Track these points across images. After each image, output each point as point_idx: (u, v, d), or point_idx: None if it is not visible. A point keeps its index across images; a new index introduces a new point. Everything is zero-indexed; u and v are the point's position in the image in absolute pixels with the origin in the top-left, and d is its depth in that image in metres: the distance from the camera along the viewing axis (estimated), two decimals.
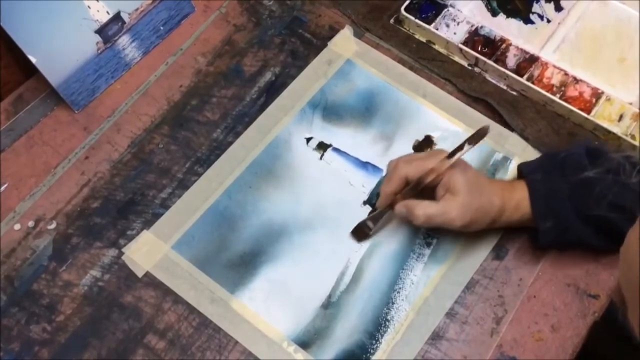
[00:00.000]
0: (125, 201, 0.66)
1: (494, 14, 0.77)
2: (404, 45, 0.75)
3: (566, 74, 0.72)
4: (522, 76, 0.71)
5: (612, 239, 0.37)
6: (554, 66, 0.72)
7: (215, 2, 0.78)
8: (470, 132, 0.69)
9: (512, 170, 0.67)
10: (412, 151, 0.69)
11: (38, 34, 0.65)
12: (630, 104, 0.70)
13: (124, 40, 0.72)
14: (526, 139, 0.69)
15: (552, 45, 0.74)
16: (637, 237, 0.34)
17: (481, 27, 0.75)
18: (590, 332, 0.60)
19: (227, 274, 0.62)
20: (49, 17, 0.65)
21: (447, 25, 0.75)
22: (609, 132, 0.68)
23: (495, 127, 0.70)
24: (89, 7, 0.68)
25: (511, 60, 0.73)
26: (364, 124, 0.71)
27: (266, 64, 0.74)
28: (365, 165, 0.68)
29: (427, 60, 0.74)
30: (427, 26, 0.74)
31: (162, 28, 0.75)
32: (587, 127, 0.69)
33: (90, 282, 0.62)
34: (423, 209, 0.58)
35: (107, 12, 0.69)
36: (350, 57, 0.74)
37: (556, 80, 0.71)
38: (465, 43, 0.73)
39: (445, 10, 0.76)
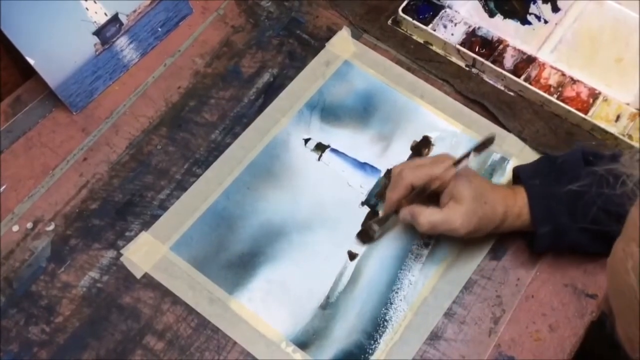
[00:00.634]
0: (124, 202, 0.66)
1: (492, 14, 0.77)
2: (401, 46, 0.75)
3: (563, 74, 0.72)
4: (519, 77, 0.71)
5: (607, 243, 0.37)
6: (551, 67, 0.72)
7: (213, 3, 0.78)
8: (468, 132, 0.70)
9: (509, 171, 0.67)
10: (410, 152, 0.69)
11: (36, 35, 0.65)
12: (628, 104, 0.70)
13: (122, 42, 0.72)
14: (524, 139, 0.69)
15: (550, 45, 0.74)
16: (622, 249, 0.34)
17: (479, 28, 0.75)
18: (587, 332, 0.60)
19: (225, 275, 0.62)
20: (47, 19, 0.65)
21: (445, 26, 0.75)
22: (607, 132, 0.68)
23: (492, 127, 0.70)
24: (87, 8, 0.68)
25: (508, 61, 0.73)
26: (362, 125, 0.71)
27: (264, 65, 0.74)
28: (363, 165, 0.69)
29: (424, 61, 0.74)
30: (424, 27, 0.74)
31: (160, 29, 0.75)
32: (585, 127, 0.69)
33: (88, 283, 0.62)
34: (427, 217, 0.58)
35: (105, 14, 0.70)
36: (348, 58, 0.74)
37: (553, 80, 0.72)
38: (462, 44, 0.74)
39: (443, 11, 0.76)
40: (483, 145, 0.58)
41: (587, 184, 0.53)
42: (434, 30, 0.74)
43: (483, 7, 0.77)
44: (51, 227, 0.65)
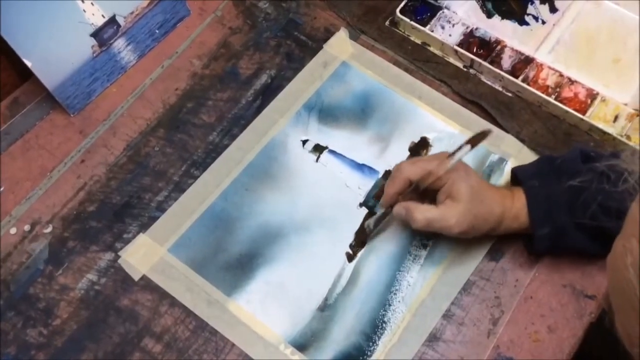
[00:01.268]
0: (122, 204, 0.66)
1: (489, 15, 0.77)
2: (399, 47, 0.75)
3: (561, 75, 0.72)
4: (517, 77, 0.71)
5: (606, 244, 0.37)
6: (549, 67, 0.72)
7: (210, 4, 0.78)
8: (466, 133, 0.70)
9: (508, 171, 0.67)
10: (408, 153, 0.69)
11: (33, 37, 0.65)
12: (625, 104, 0.70)
13: (119, 44, 0.72)
14: (522, 140, 0.69)
15: (547, 46, 0.74)
16: (622, 245, 0.34)
17: (476, 28, 0.75)
18: (586, 333, 0.60)
19: (223, 277, 0.62)
20: (44, 21, 0.65)
21: (442, 27, 0.75)
22: (605, 132, 0.68)
23: (485, 127, 0.70)
24: (84, 10, 0.68)
25: (506, 62, 0.73)
26: (360, 126, 0.71)
27: (262, 67, 0.74)
28: (361, 167, 0.68)
29: (422, 62, 0.74)
30: (422, 28, 0.74)
31: (157, 31, 0.75)
32: (583, 127, 0.69)
33: (86, 285, 0.62)
34: (422, 213, 0.58)
35: (103, 16, 0.69)
36: (345, 59, 0.74)
37: (551, 81, 0.72)
38: (460, 45, 0.74)
39: (441, 12, 0.76)
40: (478, 138, 0.57)
41: (587, 180, 0.53)
42: (432, 31, 0.74)
43: (481, 7, 0.77)
44: (49, 230, 0.65)
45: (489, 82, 0.73)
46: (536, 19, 0.76)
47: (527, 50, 0.73)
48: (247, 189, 0.67)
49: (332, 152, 0.69)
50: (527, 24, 0.76)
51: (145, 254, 0.63)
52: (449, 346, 0.60)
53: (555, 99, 0.70)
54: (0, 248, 0.63)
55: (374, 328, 0.60)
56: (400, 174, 0.60)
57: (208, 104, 0.72)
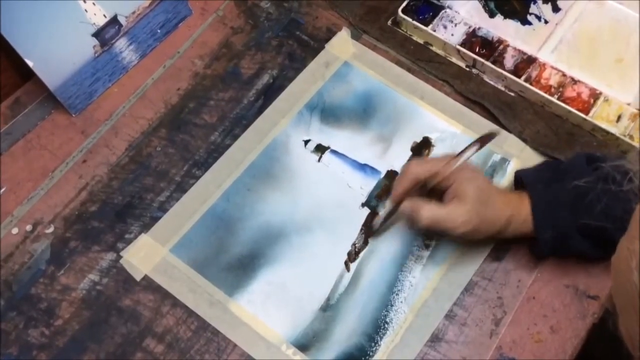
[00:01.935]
0: (123, 205, 0.66)
1: (492, 15, 0.76)
2: (401, 47, 0.75)
3: (564, 74, 0.71)
4: (520, 77, 0.71)
5: (609, 249, 0.37)
6: (552, 67, 0.72)
7: (212, 4, 0.78)
8: (468, 133, 0.70)
9: (510, 172, 0.67)
10: (410, 153, 0.69)
11: (35, 37, 0.65)
12: (629, 104, 0.70)
13: (121, 44, 0.72)
14: (524, 140, 0.69)
15: (550, 46, 0.74)
16: (627, 247, 0.34)
17: (479, 28, 0.74)
18: (589, 333, 0.60)
19: (225, 277, 0.62)
20: (46, 21, 0.65)
21: (445, 27, 0.75)
22: (607, 132, 0.67)
23: (493, 128, 0.70)
24: (86, 10, 0.68)
25: (509, 62, 0.73)
26: (362, 126, 0.71)
27: (264, 67, 0.74)
28: (363, 167, 0.68)
29: (424, 61, 0.74)
30: (424, 28, 0.74)
31: (159, 31, 0.75)
32: (586, 127, 0.69)
33: (88, 285, 0.62)
34: (429, 211, 0.58)
35: (104, 16, 0.69)
36: (347, 59, 0.74)
37: (554, 81, 0.71)
38: (462, 44, 0.73)
39: (443, 11, 0.75)
40: (485, 139, 0.57)
41: (593, 181, 0.53)
42: (434, 31, 0.74)
43: (483, 7, 0.77)
44: (50, 230, 0.65)
45: (491, 82, 0.73)
46: (539, 18, 0.76)
47: (530, 50, 0.73)
48: (248, 189, 0.67)
49: (334, 152, 0.69)
50: (529, 23, 0.76)
51: (147, 254, 0.63)
52: (451, 347, 0.59)
53: (558, 98, 0.70)
54: (1, 248, 0.63)
55: (376, 328, 0.60)
56: (408, 172, 0.60)
57: (210, 104, 0.72)
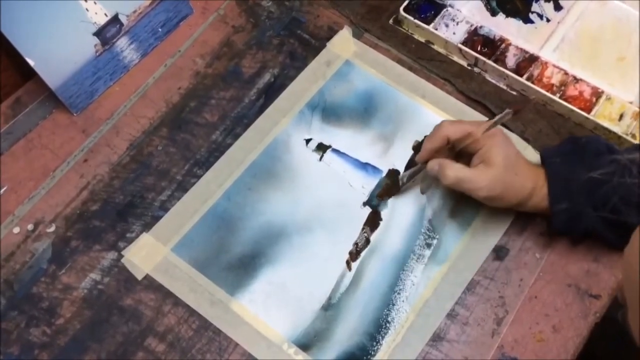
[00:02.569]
0: (125, 204, 0.66)
1: (494, 13, 0.76)
2: (403, 46, 0.75)
3: (566, 73, 0.71)
4: (521, 76, 0.71)
5: (622, 232, 0.37)
6: (554, 65, 0.72)
7: (213, 3, 0.78)
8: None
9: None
10: (412, 152, 0.69)
11: (36, 36, 0.65)
12: (631, 102, 0.69)
13: (122, 43, 0.72)
14: (526, 139, 0.69)
15: (552, 44, 0.74)
16: (639, 239, 0.34)
17: (480, 26, 0.74)
18: (591, 333, 0.60)
19: (226, 276, 0.62)
20: (46, 20, 0.65)
21: (447, 25, 0.75)
22: (610, 131, 0.67)
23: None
24: (87, 9, 0.67)
25: (511, 60, 0.73)
26: (363, 125, 0.70)
27: (265, 66, 0.74)
28: (364, 166, 0.68)
29: (426, 60, 0.74)
30: (426, 26, 0.74)
31: (160, 30, 0.75)
32: (588, 126, 0.69)
33: (89, 285, 0.62)
34: (455, 170, 0.58)
35: (105, 15, 0.69)
36: (349, 58, 0.74)
37: (556, 79, 0.71)
38: (464, 43, 0.73)
39: (445, 10, 0.75)
40: (519, 105, 0.57)
41: (609, 172, 0.53)
42: (436, 30, 0.74)
43: (485, 5, 0.77)
44: (52, 229, 0.65)
45: (493, 81, 0.73)
46: (541, 17, 0.76)
47: (532, 49, 0.73)
48: (250, 189, 0.67)
49: (336, 151, 0.69)
50: (531, 22, 0.76)
51: (148, 254, 0.63)
52: (453, 346, 0.59)
53: (560, 97, 0.70)
54: (3, 247, 0.63)
55: (378, 328, 0.60)
56: (439, 131, 0.60)
57: (211, 103, 0.72)
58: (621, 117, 0.69)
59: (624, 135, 0.67)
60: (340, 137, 0.70)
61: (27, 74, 0.70)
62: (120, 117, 0.71)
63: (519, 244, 0.64)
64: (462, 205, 0.65)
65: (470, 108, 0.71)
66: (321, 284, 0.62)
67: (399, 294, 0.61)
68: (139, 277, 0.62)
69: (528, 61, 0.72)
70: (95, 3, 0.68)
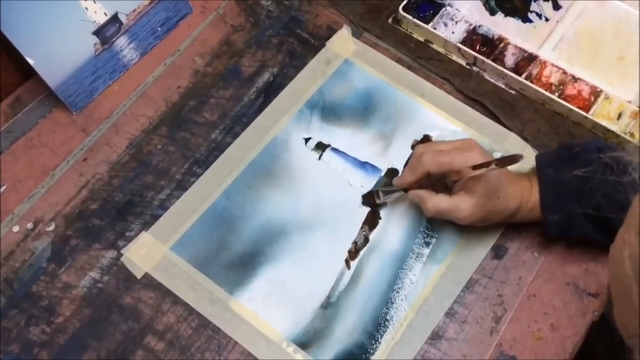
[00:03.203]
0: (124, 202, 0.66)
1: (492, 12, 0.76)
2: (402, 45, 0.75)
3: (565, 72, 0.71)
4: (520, 75, 0.71)
5: (613, 236, 0.37)
6: (553, 65, 0.72)
7: (212, 2, 0.78)
8: (469, 131, 0.70)
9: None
10: (411, 151, 0.69)
11: (36, 35, 0.65)
12: (629, 102, 0.70)
13: (121, 42, 0.72)
14: (525, 139, 0.69)
15: (551, 43, 0.74)
16: (622, 237, 0.35)
17: (479, 26, 0.74)
18: (589, 331, 0.60)
19: (226, 275, 0.62)
20: (46, 19, 0.65)
21: (445, 25, 0.75)
22: (608, 130, 0.67)
23: (493, 126, 0.70)
24: (86, 8, 0.68)
25: (509, 59, 0.73)
26: (363, 124, 0.71)
27: (264, 65, 0.74)
28: (364, 165, 0.68)
29: (425, 59, 0.74)
30: (425, 25, 0.74)
31: (159, 29, 0.75)
32: (586, 125, 0.69)
33: (89, 283, 0.62)
34: (434, 203, 0.59)
35: (105, 14, 0.69)
36: (348, 57, 0.74)
37: (555, 78, 0.71)
38: (463, 42, 0.73)
39: (444, 9, 0.75)
40: (508, 161, 0.55)
41: (592, 170, 0.53)
42: (435, 29, 0.74)
43: (484, 5, 0.77)
44: (51, 228, 0.65)
45: (492, 80, 0.73)
46: (539, 16, 0.76)
47: (531, 48, 0.73)
48: (249, 187, 0.67)
49: (335, 150, 0.69)
50: (530, 21, 0.76)
51: (147, 252, 0.63)
52: (452, 344, 0.60)
53: (559, 96, 0.70)
54: (2, 246, 0.64)
55: (377, 326, 0.60)
56: (420, 165, 0.59)
57: (210, 102, 0.72)
58: (620, 116, 0.69)
59: (623, 134, 0.67)
60: (339, 136, 0.70)
61: (27, 73, 0.70)
62: (120, 116, 0.71)
63: (518, 242, 0.64)
64: None
65: (468, 107, 0.71)
66: (320, 282, 0.62)
67: (397, 292, 0.62)
68: (139, 275, 0.62)
69: (527, 60, 0.72)
70: (94, 2, 0.68)
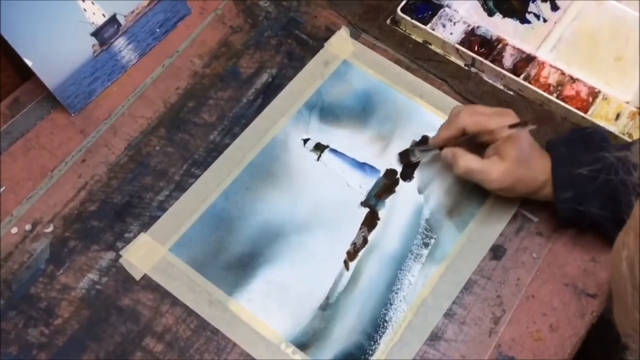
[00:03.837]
0: (123, 204, 0.66)
1: (490, 13, 0.77)
2: (400, 46, 0.75)
3: (563, 73, 0.72)
4: (518, 76, 0.71)
5: (622, 223, 0.38)
6: (551, 65, 0.72)
7: (211, 3, 0.78)
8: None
9: None
10: None
11: (34, 37, 0.65)
12: (627, 102, 0.70)
13: (120, 43, 0.72)
14: None
15: (549, 44, 0.74)
16: (622, 237, 0.35)
17: (477, 27, 0.75)
18: (588, 332, 0.60)
19: (224, 276, 0.62)
20: (44, 20, 0.65)
21: (444, 26, 0.75)
22: (606, 131, 0.67)
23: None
24: (84, 9, 0.67)
25: (508, 60, 0.73)
26: (361, 125, 0.71)
27: (263, 66, 0.74)
28: (362, 165, 0.68)
29: (423, 60, 0.74)
30: (423, 26, 0.74)
31: (158, 30, 0.75)
32: (585, 126, 0.69)
33: (88, 285, 0.62)
34: (466, 161, 0.59)
35: (103, 15, 0.69)
36: (346, 58, 0.74)
37: (553, 79, 0.71)
38: (461, 43, 0.73)
39: (442, 10, 0.75)
40: (543, 120, 0.58)
41: (598, 169, 0.53)
42: (433, 30, 0.74)
43: (482, 6, 0.77)
44: (50, 229, 0.65)
45: (490, 81, 0.73)
46: (537, 17, 0.76)
47: (529, 49, 0.73)
48: (248, 189, 0.67)
49: (333, 151, 0.69)
50: (528, 22, 0.76)
51: (146, 254, 0.63)
52: (451, 345, 0.60)
53: (557, 97, 0.70)
54: (1, 248, 0.63)
55: (376, 327, 0.60)
56: (456, 121, 0.61)
57: (209, 103, 0.72)
58: (618, 116, 0.69)
59: (621, 135, 0.67)
60: (338, 136, 0.70)
61: (25, 74, 0.70)
62: (118, 117, 0.71)
63: (516, 243, 0.64)
64: (460, 204, 0.66)
65: None
66: (319, 283, 0.62)
67: (396, 293, 0.62)
68: (137, 277, 0.62)
69: (525, 61, 0.72)
70: (93, 3, 0.68)
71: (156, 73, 0.74)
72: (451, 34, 0.74)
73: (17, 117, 0.71)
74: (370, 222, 0.65)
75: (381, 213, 0.65)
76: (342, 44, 0.75)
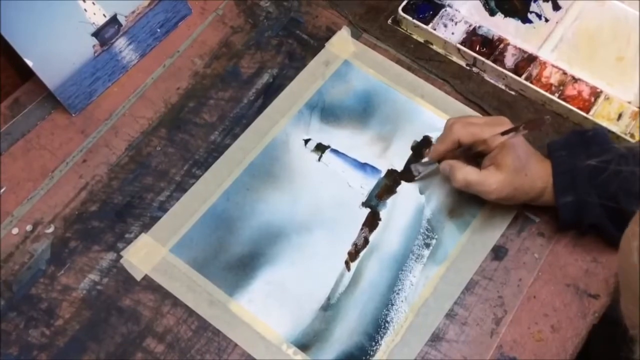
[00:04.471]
0: (123, 204, 0.66)
1: (492, 13, 0.76)
2: (401, 46, 0.75)
3: (565, 73, 0.71)
4: (520, 76, 0.71)
5: (625, 226, 0.38)
6: (553, 65, 0.72)
7: (212, 4, 0.78)
8: None
9: None
10: (411, 152, 0.69)
11: (34, 37, 0.65)
12: (629, 102, 0.70)
13: (120, 43, 0.72)
14: (526, 139, 0.69)
15: (551, 44, 0.74)
16: (632, 228, 0.35)
17: (479, 26, 0.74)
18: (589, 332, 0.60)
19: (225, 277, 0.62)
20: (45, 21, 0.65)
21: (445, 25, 0.75)
22: (608, 131, 0.67)
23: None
24: (85, 10, 0.67)
25: (509, 60, 0.73)
26: (362, 125, 0.70)
27: (263, 66, 0.74)
28: (363, 166, 0.68)
29: (425, 60, 0.74)
30: (424, 26, 0.74)
31: (158, 30, 0.75)
32: (586, 126, 0.69)
33: (88, 285, 0.62)
34: (464, 174, 0.59)
35: (104, 15, 0.69)
36: (347, 58, 0.74)
37: (555, 79, 0.71)
38: (463, 43, 0.73)
39: (443, 10, 0.75)
40: (535, 124, 0.57)
41: (606, 160, 0.53)
42: (434, 30, 0.74)
43: (483, 5, 0.77)
44: (51, 230, 0.65)
45: (492, 81, 0.73)
46: (539, 16, 0.76)
47: (530, 49, 0.73)
48: (248, 189, 0.67)
49: (334, 151, 0.69)
50: (530, 22, 0.76)
51: (147, 254, 0.63)
52: (452, 346, 0.59)
53: (559, 97, 0.70)
54: (1, 248, 0.63)
55: (377, 328, 0.60)
56: (450, 134, 0.61)
57: (210, 104, 0.72)
58: (620, 116, 0.69)
59: (623, 135, 0.67)
60: (338, 137, 0.70)
61: (26, 74, 0.70)
62: (119, 118, 0.71)
63: (518, 244, 0.64)
64: (461, 205, 0.65)
65: (469, 108, 0.71)
66: (320, 284, 0.62)
67: (398, 294, 0.61)
68: (138, 277, 0.62)
69: (527, 61, 0.72)
70: (93, 3, 0.68)
71: (157, 73, 0.74)
72: (452, 33, 0.74)
73: (17, 117, 0.71)
74: (372, 222, 0.65)
75: (382, 213, 0.65)
76: (343, 44, 0.75)
